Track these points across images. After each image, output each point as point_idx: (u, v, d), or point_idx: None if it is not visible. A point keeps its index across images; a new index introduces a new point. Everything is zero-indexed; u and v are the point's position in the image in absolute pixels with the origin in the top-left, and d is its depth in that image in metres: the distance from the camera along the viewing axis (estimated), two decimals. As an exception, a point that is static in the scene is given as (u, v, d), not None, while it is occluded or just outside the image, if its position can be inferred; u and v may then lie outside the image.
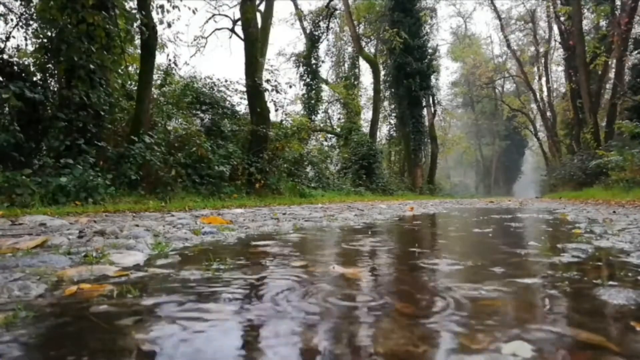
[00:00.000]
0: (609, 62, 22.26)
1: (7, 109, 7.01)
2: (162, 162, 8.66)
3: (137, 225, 3.19)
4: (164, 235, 2.62)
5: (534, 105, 39.12)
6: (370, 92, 28.52)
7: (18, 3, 8.64)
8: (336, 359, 0.75)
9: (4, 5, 9.02)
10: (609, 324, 0.94)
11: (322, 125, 27.57)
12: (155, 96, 11.26)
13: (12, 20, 8.34)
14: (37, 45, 8.05)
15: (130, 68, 11.03)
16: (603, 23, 23.93)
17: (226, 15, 30.84)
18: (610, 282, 1.34)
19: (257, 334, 0.88)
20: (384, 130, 31.74)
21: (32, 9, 8.27)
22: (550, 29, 34.16)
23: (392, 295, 1.24)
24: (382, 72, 27.29)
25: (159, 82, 13.09)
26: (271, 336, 0.86)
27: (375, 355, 0.76)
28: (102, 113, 7.94)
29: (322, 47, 29.70)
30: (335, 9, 27.86)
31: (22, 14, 8.40)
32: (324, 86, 28.17)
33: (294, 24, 30.09)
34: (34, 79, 7.81)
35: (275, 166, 12.63)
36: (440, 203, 12.39)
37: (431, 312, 1.04)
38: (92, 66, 7.61)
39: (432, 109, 30.68)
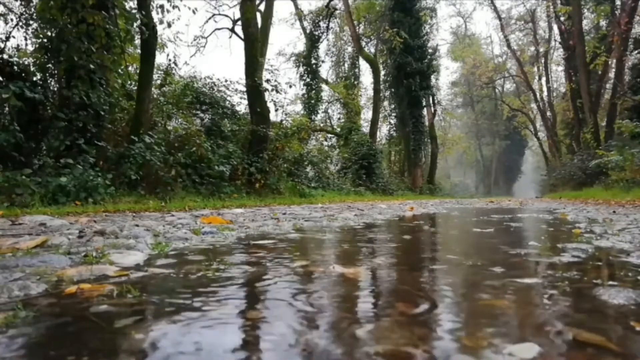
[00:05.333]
0: (609, 62, 22.27)
1: (7, 109, 7.01)
2: (162, 162, 8.66)
3: (137, 225, 3.19)
4: (164, 235, 2.62)
5: (534, 105, 39.11)
6: (370, 92, 28.53)
7: (18, 3, 8.65)
8: (335, 358, 0.75)
9: (4, 5, 9.02)
10: (609, 324, 0.94)
11: (322, 125, 27.57)
12: (155, 96, 11.26)
13: (12, 20, 8.35)
14: (37, 45, 8.04)
15: (130, 68, 11.03)
16: (603, 23, 23.95)
17: (226, 15, 30.84)
18: (610, 282, 1.34)
19: (257, 333, 0.88)
20: (384, 130, 31.79)
21: (32, 9, 8.26)
22: (550, 29, 34.24)
23: (392, 295, 1.24)
24: (382, 72, 27.30)
25: (159, 82, 13.09)
26: (270, 336, 0.85)
27: (375, 354, 0.76)
28: (102, 113, 7.94)
29: (322, 47, 29.74)
30: (335, 9, 27.85)
31: (22, 14, 8.40)
32: (324, 86, 28.18)
33: (294, 24, 30.15)
34: (34, 79, 7.80)
35: (275, 166, 12.63)
36: (440, 203, 12.39)
37: (431, 311, 1.04)
38: (92, 66, 7.61)
39: (432, 109, 30.73)
